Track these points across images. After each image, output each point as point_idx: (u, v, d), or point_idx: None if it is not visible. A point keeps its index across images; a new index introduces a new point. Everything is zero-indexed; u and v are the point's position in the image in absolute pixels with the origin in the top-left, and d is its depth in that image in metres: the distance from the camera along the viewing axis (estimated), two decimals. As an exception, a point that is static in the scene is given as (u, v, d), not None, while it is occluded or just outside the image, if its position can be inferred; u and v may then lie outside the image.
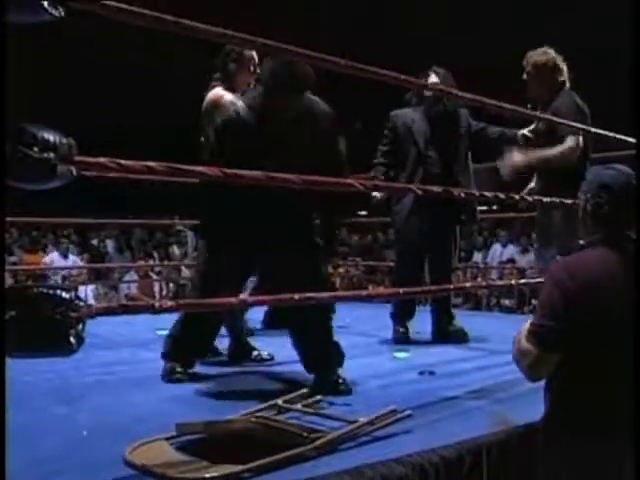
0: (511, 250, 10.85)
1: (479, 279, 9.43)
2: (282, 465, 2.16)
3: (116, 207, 10.82)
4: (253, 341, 4.06)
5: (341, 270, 10.37)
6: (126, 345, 4.58)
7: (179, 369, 3.49)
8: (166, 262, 10.36)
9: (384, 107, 4.87)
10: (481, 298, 9.58)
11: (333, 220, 3.54)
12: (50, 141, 1.72)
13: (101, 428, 2.58)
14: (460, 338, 4.73)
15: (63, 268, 9.63)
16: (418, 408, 2.76)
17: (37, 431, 2.53)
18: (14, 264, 9.70)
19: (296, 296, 2.71)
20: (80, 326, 1.83)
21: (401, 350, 4.25)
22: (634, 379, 2.02)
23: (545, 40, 4.37)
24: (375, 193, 4.58)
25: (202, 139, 3.79)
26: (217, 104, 3.71)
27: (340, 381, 3.17)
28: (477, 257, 10.91)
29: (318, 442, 2.30)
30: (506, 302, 9.55)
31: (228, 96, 3.72)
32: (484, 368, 3.79)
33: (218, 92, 3.75)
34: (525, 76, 4.32)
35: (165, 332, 4.54)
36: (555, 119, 3.93)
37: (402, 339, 4.66)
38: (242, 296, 3.36)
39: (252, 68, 3.84)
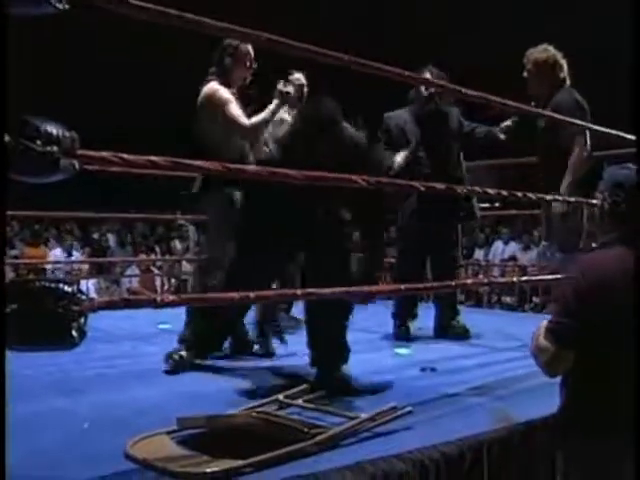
0: (513, 247, 10.84)
1: (480, 276, 9.42)
2: (283, 460, 2.16)
3: (118, 201, 10.81)
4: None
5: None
6: (128, 339, 4.58)
7: (187, 358, 3.53)
8: (168, 256, 10.36)
9: (386, 104, 4.87)
10: (482, 295, 9.57)
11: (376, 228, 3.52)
12: (53, 134, 1.71)
13: (102, 421, 2.58)
14: (461, 334, 4.74)
15: (64, 262, 9.64)
16: (419, 404, 2.76)
17: (38, 424, 2.53)
18: (15, 257, 9.70)
19: (298, 291, 2.72)
20: (82, 320, 1.82)
21: (402, 346, 4.25)
22: (635, 379, 2.03)
23: (545, 40, 4.38)
24: (397, 159, 4.57)
25: (197, 132, 3.81)
26: (211, 98, 3.71)
27: (341, 378, 3.17)
28: (478, 254, 10.89)
29: (319, 438, 2.30)
30: (507, 299, 9.55)
31: (223, 91, 3.72)
32: (485, 365, 3.79)
33: (213, 86, 3.75)
34: (525, 74, 4.33)
35: (167, 326, 4.57)
36: (556, 115, 3.93)
37: (403, 336, 4.66)
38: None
39: (248, 63, 3.84)
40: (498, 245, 11.10)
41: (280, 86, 3.72)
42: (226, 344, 3.98)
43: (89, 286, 8.79)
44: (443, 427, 2.57)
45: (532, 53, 4.31)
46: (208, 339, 3.67)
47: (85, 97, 12.65)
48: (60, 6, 1.75)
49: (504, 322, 5.57)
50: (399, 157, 4.53)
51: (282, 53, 2.40)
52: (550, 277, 4.40)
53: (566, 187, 4.07)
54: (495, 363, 3.86)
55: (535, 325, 4.84)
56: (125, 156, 1.96)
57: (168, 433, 2.37)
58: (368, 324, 5.07)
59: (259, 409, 2.64)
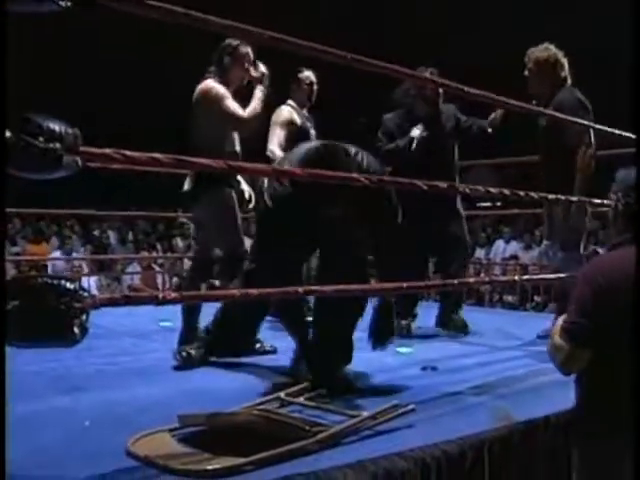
0: (514, 246, 10.83)
1: (482, 275, 9.41)
2: (284, 458, 2.16)
3: (119, 198, 10.83)
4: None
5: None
6: (129, 336, 4.59)
7: (195, 356, 3.56)
8: (169, 254, 10.36)
9: (388, 103, 4.87)
10: (483, 294, 9.56)
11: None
12: (56, 131, 1.71)
13: (103, 419, 2.58)
14: (459, 328, 4.80)
15: (66, 259, 9.64)
16: (420, 403, 2.75)
17: (39, 421, 2.53)
18: (17, 254, 9.70)
19: (300, 289, 2.71)
20: (84, 316, 1.83)
21: (404, 345, 4.25)
22: (634, 379, 2.05)
23: (545, 40, 4.38)
24: (414, 133, 4.58)
25: (192, 129, 3.81)
26: (207, 94, 3.72)
27: (342, 377, 3.17)
28: (480, 253, 10.88)
29: (320, 436, 2.30)
30: (509, 298, 9.53)
31: (219, 87, 3.72)
32: (486, 364, 3.79)
33: (209, 83, 3.76)
34: (526, 73, 4.33)
35: (168, 324, 4.58)
36: (560, 115, 3.93)
37: (404, 332, 4.66)
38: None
39: (246, 64, 3.84)
40: (499, 244, 11.09)
41: (254, 73, 3.79)
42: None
43: (90, 283, 8.78)
44: (444, 426, 2.57)
45: (533, 52, 4.31)
46: (225, 338, 3.69)
47: (88, 95, 12.65)
48: (63, 4, 1.75)
49: (505, 321, 5.57)
50: (414, 131, 4.56)
51: (285, 51, 2.40)
52: (552, 276, 4.40)
53: (578, 187, 4.06)
54: (496, 362, 3.86)
55: (536, 324, 4.89)
56: (127, 153, 1.96)
57: (169, 430, 2.37)
58: (368, 323, 5.07)
59: (260, 407, 2.64)
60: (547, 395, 3.10)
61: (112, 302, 2.19)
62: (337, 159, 3.04)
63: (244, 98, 3.79)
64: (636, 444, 2.00)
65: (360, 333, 3.96)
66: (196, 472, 2.06)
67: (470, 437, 2.44)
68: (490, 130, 4.69)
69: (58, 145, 1.70)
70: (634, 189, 2.20)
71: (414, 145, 4.56)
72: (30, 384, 3.05)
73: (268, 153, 4.34)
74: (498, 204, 9.33)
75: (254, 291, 2.50)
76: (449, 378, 3.37)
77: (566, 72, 4.28)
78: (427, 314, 4.99)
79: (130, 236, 11.90)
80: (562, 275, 4.12)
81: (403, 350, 4.13)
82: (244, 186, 3.98)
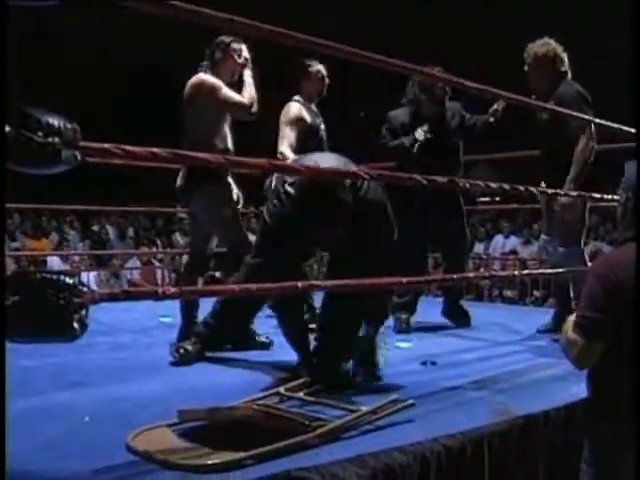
0: (513, 241, 10.83)
1: (481, 270, 9.40)
2: (284, 453, 2.16)
3: (118, 194, 10.80)
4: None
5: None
6: (128, 331, 4.58)
7: (192, 351, 3.56)
8: (169, 249, 10.35)
9: (388, 98, 4.88)
10: (483, 289, 9.56)
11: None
12: (55, 126, 1.71)
13: (103, 414, 2.58)
14: (462, 319, 4.93)
15: (66, 253, 9.63)
16: (420, 398, 2.76)
17: (39, 417, 2.53)
18: (17, 250, 9.69)
19: (299, 284, 2.71)
20: (83, 312, 1.82)
21: (403, 340, 4.25)
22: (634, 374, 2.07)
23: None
24: (418, 134, 4.59)
25: (186, 125, 3.81)
26: (202, 86, 3.72)
27: (343, 372, 3.17)
28: (479, 248, 10.88)
29: (320, 430, 2.30)
30: (508, 293, 9.53)
31: (212, 79, 3.73)
32: (486, 359, 3.80)
33: (201, 76, 3.78)
34: (526, 68, 4.33)
35: (167, 319, 4.58)
36: (560, 109, 3.93)
37: (404, 329, 4.67)
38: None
39: (237, 59, 3.85)
40: (498, 239, 11.09)
41: (238, 59, 3.84)
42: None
43: (90, 279, 8.77)
44: (444, 420, 2.57)
45: (532, 47, 4.32)
46: (222, 333, 3.70)
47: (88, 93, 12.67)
48: (62, -3, 1.75)
49: (505, 316, 5.57)
50: (418, 132, 4.57)
51: (284, 45, 2.40)
52: (551, 271, 4.40)
53: (573, 178, 4.06)
54: (496, 357, 3.87)
55: (536, 319, 4.89)
56: (127, 148, 1.96)
57: (169, 426, 2.37)
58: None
59: (260, 402, 2.64)
60: (547, 390, 3.11)
61: (112, 297, 2.19)
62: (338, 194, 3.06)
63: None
64: (637, 443, 2.03)
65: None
66: (196, 467, 2.06)
67: (470, 432, 2.45)
68: (492, 120, 4.70)
69: (57, 140, 1.69)
70: None
71: (415, 147, 4.58)
72: (30, 379, 3.06)
73: (278, 155, 4.28)
74: (497, 199, 9.32)
75: (253, 286, 2.50)
76: (449, 373, 3.38)
77: (566, 66, 4.28)
78: (427, 309, 5.00)
79: (130, 232, 11.90)
80: (561, 270, 4.13)
81: (403, 345, 4.13)
82: (233, 187, 3.97)
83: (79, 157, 1.78)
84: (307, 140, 4.33)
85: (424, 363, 3.58)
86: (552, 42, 4.30)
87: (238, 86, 3.82)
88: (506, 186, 3.38)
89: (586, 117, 3.94)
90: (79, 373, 3.28)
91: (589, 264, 4.26)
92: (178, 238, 10.93)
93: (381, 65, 2.73)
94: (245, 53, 3.86)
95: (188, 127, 3.79)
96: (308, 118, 4.44)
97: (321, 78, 4.55)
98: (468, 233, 5.11)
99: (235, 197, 3.99)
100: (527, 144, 5.00)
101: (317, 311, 4.05)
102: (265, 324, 4.06)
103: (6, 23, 1.70)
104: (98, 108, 12.54)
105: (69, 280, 1.82)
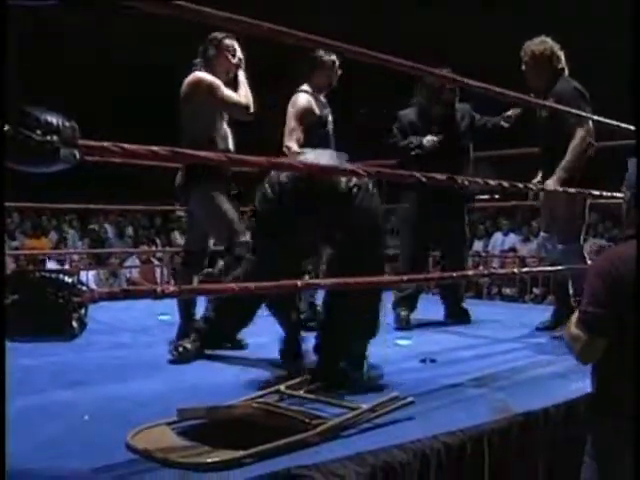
0: (512, 239, 10.84)
1: (480, 267, 9.41)
2: (284, 451, 2.16)
3: (117, 193, 10.78)
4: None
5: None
6: (127, 330, 4.58)
7: (191, 350, 3.56)
8: (168, 248, 10.35)
9: (388, 95, 4.89)
10: (482, 287, 9.56)
11: None
12: (53, 124, 1.70)
13: (103, 413, 2.58)
14: (462, 319, 4.94)
15: (66, 252, 9.63)
16: (420, 395, 2.76)
17: (38, 415, 2.53)
18: (16, 249, 9.69)
19: (298, 283, 2.71)
20: (82, 311, 1.82)
21: (403, 337, 4.25)
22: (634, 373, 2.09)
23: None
24: (426, 141, 4.60)
25: (185, 123, 3.80)
26: (200, 84, 3.71)
27: (344, 369, 3.17)
28: (478, 246, 10.88)
29: (320, 428, 2.30)
30: (507, 291, 9.54)
31: (211, 77, 3.72)
32: (485, 356, 3.80)
33: (198, 74, 3.76)
34: (524, 67, 4.35)
35: (166, 317, 4.58)
36: (559, 106, 3.94)
37: (404, 326, 4.68)
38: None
39: (231, 56, 3.84)
40: (497, 236, 11.10)
41: (233, 59, 3.83)
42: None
43: (89, 278, 8.77)
44: (444, 418, 2.57)
45: (529, 46, 4.35)
46: (222, 332, 3.70)
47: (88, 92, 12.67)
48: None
49: (504, 313, 5.58)
50: (427, 139, 4.59)
51: (283, 43, 2.40)
52: (551, 269, 4.41)
53: (564, 167, 4.08)
54: (495, 354, 3.87)
55: (535, 316, 4.89)
56: (126, 146, 1.96)
57: (169, 424, 2.37)
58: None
59: (260, 400, 2.64)
60: (546, 387, 3.11)
61: (111, 296, 2.19)
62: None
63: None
64: (636, 442, 2.05)
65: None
66: (196, 465, 2.06)
67: (469, 429, 2.45)
68: (506, 125, 4.75)
69: (55, 138, 1.69)
70: None
71: (416, 152, 4.61)
72: (29, 378, 3.06)
73: (284, 149, 4.25)
74: (497, 196, 9.31)
75: (252, 285, 2.50)
76: (448, 370, 3.38)
77: (563, 64, 4.31)
78: (426, 306, 5.00)
79: (130, 231, 11.89)
80: (561, 267, 4.13)
81: (402, 342, 4.13)
82: (233, 185, 3.97)
83: (78, 155, 1.78)
84: (314, 132, 4.30)
85: (423, 360, 3.58)
86: (549, 40, 4.33)
87: (234, 85, 3.81)
88: (505, 184, 3.38)
89: (584, 114, 3.95)
90: (79, 372, 3.28)
91: (589, 261, 4.27)
92: (177, 237, 10.92)
93: (384, 64, 2.72)
94: (239, 53, 3.85)
95: (186, 126, 3.79)
96: (317, 110, 4.37)
97: (335, 68, 4.47)
98: (468, 232, 5.12)
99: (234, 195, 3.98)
100: (527, 142, 5.02)
101: (318, 309, 4.07)
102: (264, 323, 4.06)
103: (6, 23, 1.70)
104: (98, 108, 12.54)
105: (68, 279, 1.82)
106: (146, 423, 2.32)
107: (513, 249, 10.44)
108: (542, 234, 4.70)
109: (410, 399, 2.63)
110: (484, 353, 3.89)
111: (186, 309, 3.81)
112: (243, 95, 3.73)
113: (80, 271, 8.15)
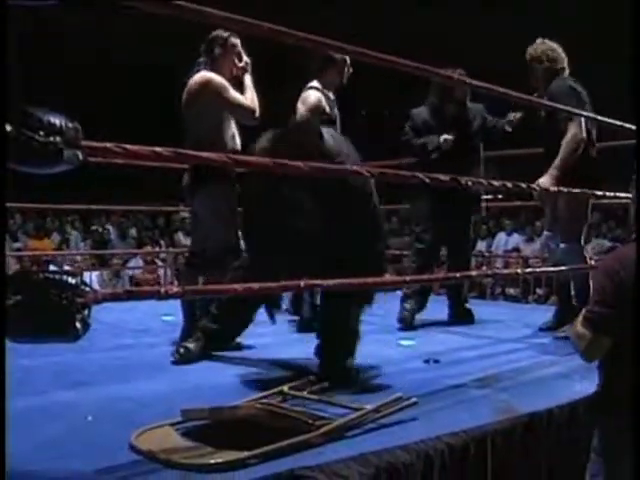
0: (516, 239, 10.83)
1: (484, 268, 9.40)
2: (287, 452, 2.15)
3: (119, 193, 10.79)
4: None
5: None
6: (131, 331, 4.58)
7: (194, 350, 3.55)
8: (171, 249, 10.35)
9: (388, 96, 4.91)
10: (485, 287, 9.55)
11: None
12: (56, 125, 1.70)
13: (106, 413, 2.58)
14: (466, 319, 4.94)
15: (68, 254, 9.64)
16: (423, 396, 2.75)
17: (41, 416, 2.53)
18: (19, 250, 9.70)
19: (301, 283, 2.71)
20: (86, 312, 1.82)
21: (406, 338, 4.25)
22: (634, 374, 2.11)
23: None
24: (442, 141, 4.63)
25: (191, 123, 3.79)
26: (208, 85, 3.70)
27: (346, 370, 3.17)
28: (481, 246, 10.87)
29: (324, 429, 2.30)
30: (511, 291, 9.52)
31: (219, 78, 3.71)
32: (489, 356, 3.80)
33: (207, 74, 3.74)
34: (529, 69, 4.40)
35: (170, 318, 4.57)
36: (548, 103, 4.04)
37: (407, 320, 4.70)
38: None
39: (236, 55, 3.83)
40: (501, 236, 11.09)
41: (239, 63, 3.84)
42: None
43: (92, 278, 8.77)
44: (447, 418, 2.57)
45: (529, 48, 4.41)
46: (226, 333, 3.69)
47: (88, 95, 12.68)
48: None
49: (507, 313, 5.57)
50: (443, 139, 4.61)
51: (284, 43, 2.40)
52: (554, 269, 4.40)
53: (556, 165, 4.09)
54: (499, 354, 3.87)
55: (538, 317, 4.89)
56: (128, 147, 1.96)
57: (172, 425, 2.37)
58: (370, 315, 5.08)
59: (263, 400, 2.64)
60: (550, 387, 3.11)
61: (114, 297, 2.19)
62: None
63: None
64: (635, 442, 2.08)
65: (364, 325, 3.96)
66: (199, 466, 2.05)
67: (473, 430, 2.45)
68: (509, 129, 4.79)
69: (58, 139, 1.69)
70: None
71: (435, 153, 4.63)
72: (33, 379, 3.06)
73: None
74: (500, 196, 9.30)
75: (256, 285, 2.50)
76: (451, 371, 3.38)
77: (559, 63, 4.36)
78: (430, 307, 4.99)
79: (133, 232, 11.89)
80: (564, 268, 4.13)
81: (405, 343, 4.13)
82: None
83: (81, 156, 1.78)
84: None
85: (427, 361, 3.58)
86: (545, 42, 4.41)
87: (238, 85, 3.80)
88: (509, 184, 3.38)
89: (574, 110, 3.97)
90: (81, 372, 3.28)
91: (590, 261, 4.27)
92: (181, 237, 10.92)
93: (385, 65, 2.73)
94: (245, 57, 3.84)
95: (190, 126, 3.77)
96: (327, 109, 4.33)
97: (346, 66, 4.45)
98: (472, 232, 5.13)
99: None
100: (532, 142, 5.03)
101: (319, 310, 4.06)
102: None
103: (6, 23, 1.70)
104: (98, 108, 12.54)
105: (72, 280, 1.82)
106: (149, 424, 2.32)
107: (517, 249, 10.42)
108: (545, 233, 4.72)
109: (413, 400, 2.62)
110: (487, 353, 3.89)
111: (189, 309, 3.80)
112: (249, 98, 3.72)
113: (83, 272, 8.15)
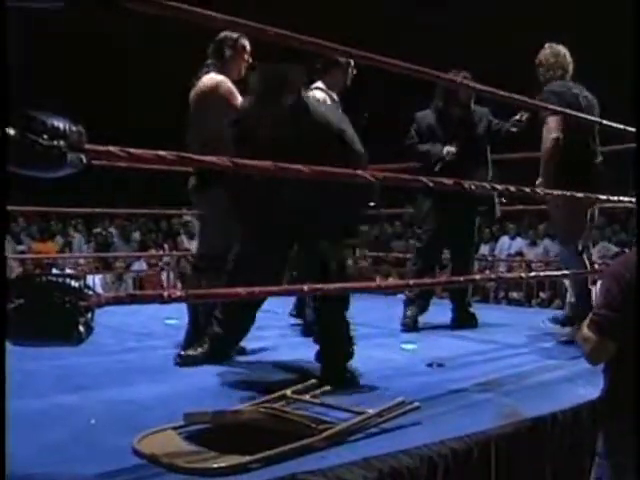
0: (519, 243, 10.82)
1: (487, 271, 9.39)
2: (290, 456, 2.15)
3: (122, 196, 10.79)
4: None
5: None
6: (134, 334, 4.58)
7: (196, 354, 3.54)
8: (174, 252, 10.35)
9: (392, 100, 4.92)
10: (489, 291, 9.54)
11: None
12: (60, 129, 1.70)
13: (109, 417, 2.58)
14: (469, 323, 4.92)
15: (72, 257, 9.65)
16: (426, 400, 2.75)
17: (44, 419, 2.52)
18: (22, 253, 9.71)
19: (305, 287, 2.71)
20: (89, 315, 1.82)
21: (408, 342, 4.24)
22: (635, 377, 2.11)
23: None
24: (446, 153, 4.63)
25: (199, 124, 3.78)
26: (219, 88, 3.69)
27: (348, 374, 3.17)
28: (484, 249, 10.86)
29: (326, 433, 2.29)
30: (514, 295, 9.51)
31: (229, 83, 3.70)
32: (492, 360, 3.79)
33: (217, 77, 3.73)
34: None
35: (173, 321, 4.57)
36: (540, 103, 4.08)
37: (410, 324, 4.70)
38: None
39: (246, 56, 3.83)
40: (504, 240, 11.08)
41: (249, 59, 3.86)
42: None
43: (95, 281, 8.78)
44: (451, 423, 2.56)
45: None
46: (231, 337, 3.65)
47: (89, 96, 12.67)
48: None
49: (511, 317, 5.56)
50: (446, 151, 4.62)
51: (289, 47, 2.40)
52: (558, 273, 4.39)
53: (540, 180, 4.10)
54: (502, 358, 3.86)
55: (542, 320, 4.87)
56: (132, 150, 1.96)
57: (175, 429, 2.36)
58: (373, 319, 5.08)
59: (266, 404, 2.63)
60: (554, 392, 3.10)
61: (117, 301, 2.19)
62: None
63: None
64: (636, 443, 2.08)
65: (364, 329, 3.97)
66: (202, 470, 2.05)
67: (477, 434, 2.44)
68: (515, 130, 4.78)
69: (62, 143, 1.69)
70: None
71: (440, 165, 4.64)
72: (35, 382, 3.06)
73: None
74: (503, 200, 9.30)
75: (258, 289, 2.49)
76: (455, 375, 3.37)
77: (562, 69, 4.37)
78: (433, 310, 4.99)
79: (137, 236, 11.90)
80: (567, 272, 4.12)
81: (408, 347, 4.12)
82: None
83: (84, 160, 1.78)
84: None
85: (430, 365, 3.57)
86: (552, 46, 4.45)
87: (242, 86, 3.79)
88: (512, 188, 3.38)
89: (549, 106, 3.99)
90: (85, 376, 3.27)
91: (590, 265, 4.26)
92: (184, 241, 10.93)
93: (385, 67, 2.73)
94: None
95: (196, 127, 3.76)
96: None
97: (351, 68, 4.43)
98: (476, 235, 5.13)
99: None
100: (534, 146, 5.03)
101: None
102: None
103: (6, 23, 1.70)
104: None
105: (75, 283, 1.82)
106: (152, 427, 2.32)
107: (520, 253, 10.41)
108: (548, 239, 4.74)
109: (417, 404, 2.61)
110: (491, 358, 3.88)
111: (195, 315, 3.78)
112: None
113: (86, 275, 8.16)
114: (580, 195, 3.84)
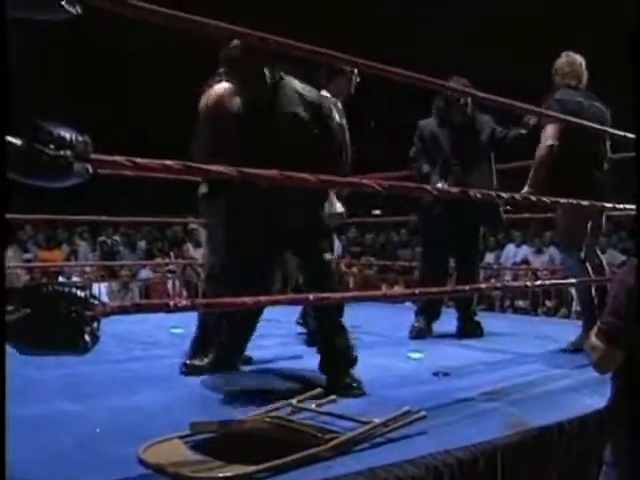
0: (525, 251, 10.80)
1: (493, 280, 9.37)
2: (296, 465, 2.14)
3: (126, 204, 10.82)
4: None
5: (355, 269, 10.35)
6: (140, 343, 4.58)
7: (201, 365, 3.55)
8: (180, 260, 10.36)
9: (398, 108, 4.93)
10: (494, 299, 9.53)
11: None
12: (66, 138, 1.71)
13: (114, 425, 2.58)
14: (475, 332, 4.91)
15: (77, 265, 9.66)
16: (432, 409, 2.74)
17: (49, 428, 2.52)
18: (29, 261, 9.74)
19: (310, 296, 2.71)
20: (95, 324, 1.82)
21: (415, 351, 4.24)
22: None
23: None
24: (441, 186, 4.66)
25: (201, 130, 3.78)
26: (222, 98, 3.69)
27: (354, 383, 3.17)
28: (490, 258, 10.85)
29: (332, 443, 2.29)
30: (520, 303, 9.50)
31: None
32: (499, 369, 3.78)
33: (225, 87, 3.73)
34: None
35: (179, 330, 4.57)
36: (539, 109, 4.05)
37: (420, 334, 4.70)
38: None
39: None
40: (510, 248, 11.06)
41: None
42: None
43: (101, 289, 8.80)
44: (457, 432, 2.55)
45: None
46: (237, 346, 3.65)
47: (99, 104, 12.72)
48: (74, 12, 1.76)
49: (517, 326, 5.55)
50: (440, 185, 4.63)
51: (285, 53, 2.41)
52: (564, 281, 4.38)
53: (530, 180, 4.11)
54: (508, 367, 3.85)
55: (548, 329, 4.85)
56: (138, 160, 1.96)
57: (181, 438, 2.36)
58: (379, 328, 5.08)
59: (272, 414, 2.63)
60: (560, 401, 3.09)
61: (123, 310, 2.19)
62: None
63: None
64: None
65: (370, 337, 3.97)
66: (208, 480, 2.05)
67: (483, 444, 2.43)
68: (525, 132, 4.74)
69: (69, 152, 1.70)
70: None
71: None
72: (41, 391, 3.06)
73: None
74: (508, 208, 9.29)
75: (263, 298, 2.50)
76: (461, 384, 3.36)
77: (575, 79, 4.36)
78: (439, 319, 4.98)
79: (144, 244, 11.91)
80: (574, 281, 4.11)
81: (414, 355, 4.11)
82: None
83: (90, 170, 1.78)
84: None
85: (436, 374, 3.56)
86: (569, 55, 4.42)
87: None
88: (517, 196, 3.38)
89: (546, 112, 4.01)
90: (90, 384, 3.28)
91: (591, 273, 4.24)
92: (190, 249, 10.93)
93: (388, 76, 2.73)
94: None
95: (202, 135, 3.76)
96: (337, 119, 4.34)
97: (354, 75, 4.43)
98: (481, 243, 5.13)
99: None
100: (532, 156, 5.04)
101: None
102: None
103: (6, 25, 1.70)
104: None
105: (81, 293, 1.82)
106: (158, 436, 2.32)
107: (526, 261, 10.40)
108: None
109: (422, 413, 2.61)
110: (497, 366, 3.87)
111: (205, 322, 3.76)
112: None
113: (92, 283, 8.17)
114: (585, 203, 3.83)
